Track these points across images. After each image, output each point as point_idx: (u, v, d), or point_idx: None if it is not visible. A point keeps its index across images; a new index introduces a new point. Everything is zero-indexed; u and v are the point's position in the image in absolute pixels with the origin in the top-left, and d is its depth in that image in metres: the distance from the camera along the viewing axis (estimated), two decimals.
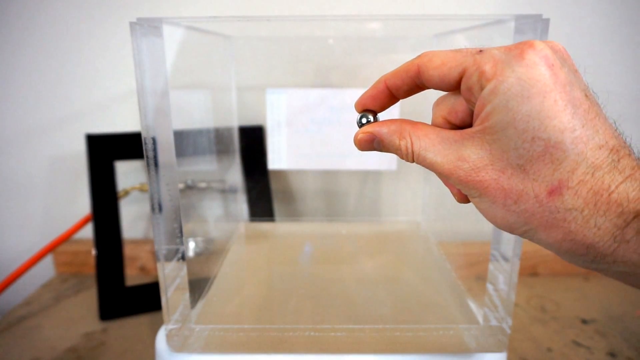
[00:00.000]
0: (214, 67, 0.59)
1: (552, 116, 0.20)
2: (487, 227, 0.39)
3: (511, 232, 0.23)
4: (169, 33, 0.34)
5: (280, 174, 0.68)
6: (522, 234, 0.22)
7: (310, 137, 0.61)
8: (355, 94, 0.60)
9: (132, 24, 0.32)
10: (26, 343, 0.52)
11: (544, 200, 0.21)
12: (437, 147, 0.23)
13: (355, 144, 0.27)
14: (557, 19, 0.60)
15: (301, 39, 0.61)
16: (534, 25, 0.32)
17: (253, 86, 0.64)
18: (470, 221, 0.50)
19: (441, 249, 0.57)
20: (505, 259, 0.38)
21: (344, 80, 0.63)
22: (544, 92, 0.20)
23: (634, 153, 0.21)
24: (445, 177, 0.23)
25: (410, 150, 0.24)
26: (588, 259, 0.21)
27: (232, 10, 0.61)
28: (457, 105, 0.24)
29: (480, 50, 0.22)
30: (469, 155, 0.22)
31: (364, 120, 0.27)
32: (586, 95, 0.21)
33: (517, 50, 0.21)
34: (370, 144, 0.26)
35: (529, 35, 0.33)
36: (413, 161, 0.24)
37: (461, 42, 0.48)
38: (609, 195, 0.20)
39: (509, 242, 0.38)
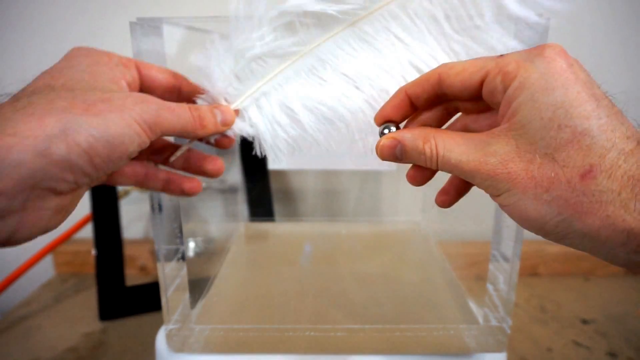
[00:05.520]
0: None
1: (576, 105, 0.20)
2: (487, 227, 0.39)
3: (543, 227, 0.22)
4: (169, 33, 0.34)
5: (280, 174, 0.68)
6: (556, 227, 0.21)
7: None
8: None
9: (132, 24, 0.32)
10: (26, 343, 0.52)
11: (577, 185, 0.20)
12: (462, 147, 0.23)
13: (377, 153, 0.26)
14: (557, 19, 0.60)
15: None
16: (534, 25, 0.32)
17: None
18: (470, 221, 0.50)
19: (441, 249, 0.57)
20: (505, 259, 0.38)
21: None
22: (567, 84, 0.21)
23: None
24: (471, 176, 0.23)
25: (434, 152, 0.24)
26: (630, 248, 0.20)
27: None
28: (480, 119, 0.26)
29: (501, 55, 0.23)
30: (496, 151, 0.22)
31: (386, 131, 0.26)
32: (604, 94, 0.21)
33: (537, 50, 0.22)
34: (392, 150, 0.25)
35: (528, 35, 0.33)
36: (437, 166, 0.24)
37: None
38: None
39: (509, 242, 0.38)
